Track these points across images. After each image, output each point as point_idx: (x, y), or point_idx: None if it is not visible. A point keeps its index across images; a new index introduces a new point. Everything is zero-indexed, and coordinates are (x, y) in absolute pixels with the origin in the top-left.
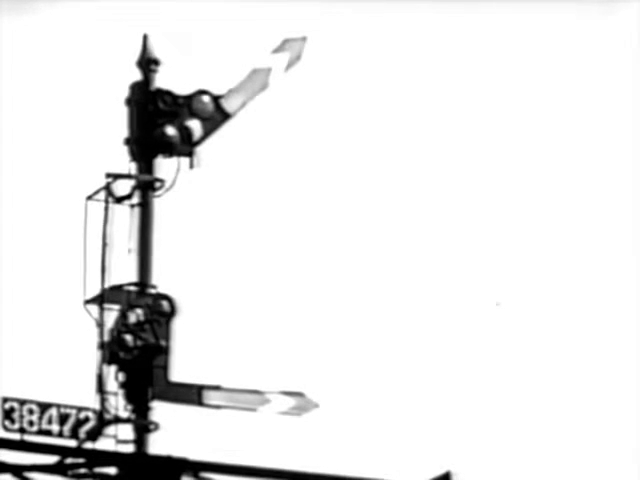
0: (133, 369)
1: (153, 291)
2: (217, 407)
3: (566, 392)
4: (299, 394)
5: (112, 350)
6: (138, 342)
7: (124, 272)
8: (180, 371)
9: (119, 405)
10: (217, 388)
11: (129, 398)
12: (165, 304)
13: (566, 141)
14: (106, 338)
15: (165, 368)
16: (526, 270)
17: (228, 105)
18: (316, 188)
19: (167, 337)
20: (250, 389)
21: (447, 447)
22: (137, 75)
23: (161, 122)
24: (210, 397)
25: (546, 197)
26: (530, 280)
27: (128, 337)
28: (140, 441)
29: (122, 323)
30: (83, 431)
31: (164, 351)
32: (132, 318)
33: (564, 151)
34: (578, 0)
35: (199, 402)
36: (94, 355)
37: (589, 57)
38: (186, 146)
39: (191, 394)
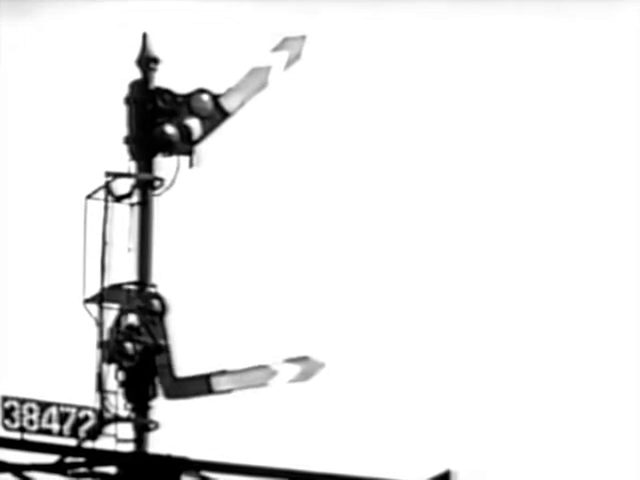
0: (136, 372)
1: (144, 291)
2: (228, 392)
3: (566, 391)
4: (303, 358)
5: (114, 357)
6: (138, 347)
7: (124, 271)
8: (185, 367)
9: (119, 404)
10: (224, 372)
11: (130, 398)
12: (156, 303)
13: (569, 141)
14: (106, 337)
15: (169, 366)
16: (526, 270)
17: (227, 104)
18: (316, 186)
19: (164, 335)
20: (255, 365)
21: (447, 446)
22: (136, 74)
23: (160, 121)
24: (219, 383)
25: (547, 197)
26: (530, 279)
27: (129, 345)
28: (140, 440)
29: (119, 331)
30: (83, 430)
31: (165, 349)
32: (132, 322)
33: (567, 151)
34: (579, 0)
35: (209, 391)
36: (94, 354)
37: (590, 57)
38: (185, 145)
39: (200, 385)
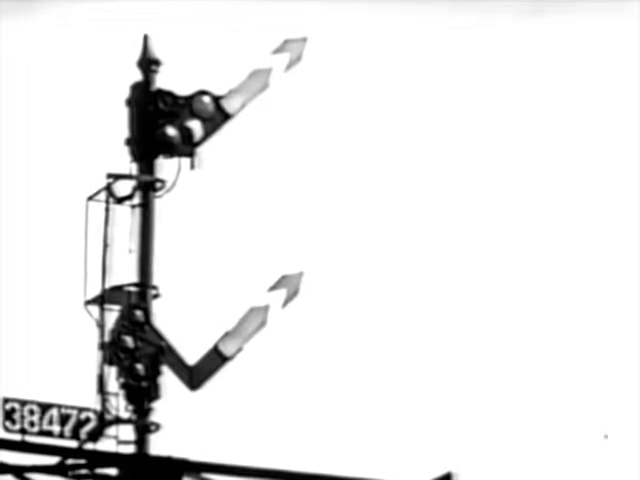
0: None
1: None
2: (240, 350)
3: (566, 392)
4: (281, 279)
5: (128, 383)
6: (147, 363)
7: (125, 272)
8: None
9: (120, 406)
10: (225, 335)
11: (131, 399)
12: (139, 313)
13: (572, 138)
14: (106, 339)
15: (180, 361)
16: (527, 270)
17: (229, 105)
18: (316, 187)
19: (160, 337)
20: (245, 313)
21: (448, 447)
22: (138, 76)
23: (162, 122)
24: (227, 347)
25: (550, 196)
26: (530, 280)
27: (139, 366)
28: (141, 442)
29: (121, 358)
30: (84, 432)
31: (168, 349)
32: (128, 345)
33: (570, 149)
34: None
35: (224, 359)
36: (95, 355)
37: (593, 57)
38: (187, 146)
39: (213, 359)
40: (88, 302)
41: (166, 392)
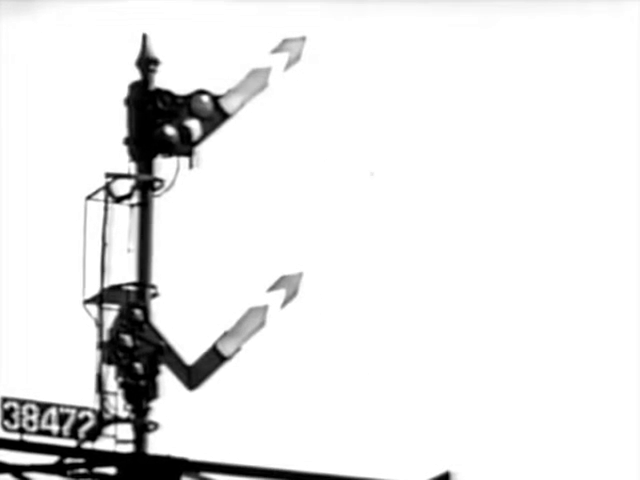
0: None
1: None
2: (238, 350)
3: (566, 392)
4: (280, 279)
5: (127, 382)
6: (145, 362)
7: (123, 272)
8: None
9: (118, 405)
10: (224, 335)
11: (129, 398)
12: (138, 312)
13: (572, 139)
14: (105, 338)
15: (179, 360)
16: (527, 271)
17: (227, 105)
18: (315, 187)
19: (159, 336)
20: (244, 313)
21: (447, 447)
22: (136, 75)
23: (160, 122)
24: (226, 347)
25: (552, 195)
26: (531, 281)
27: (137, 365)
28: (139, 441)
29: (119, 357)
30: (82, 431)
31: (167, 348)
32: (127, 344)
33: (570, 150)
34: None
35: (222, 359)
36: (93, 355)
37: (594, 57)
38: (185, 146)
39: (212, 359)
40: (87, 301)
41: (165, 391)
